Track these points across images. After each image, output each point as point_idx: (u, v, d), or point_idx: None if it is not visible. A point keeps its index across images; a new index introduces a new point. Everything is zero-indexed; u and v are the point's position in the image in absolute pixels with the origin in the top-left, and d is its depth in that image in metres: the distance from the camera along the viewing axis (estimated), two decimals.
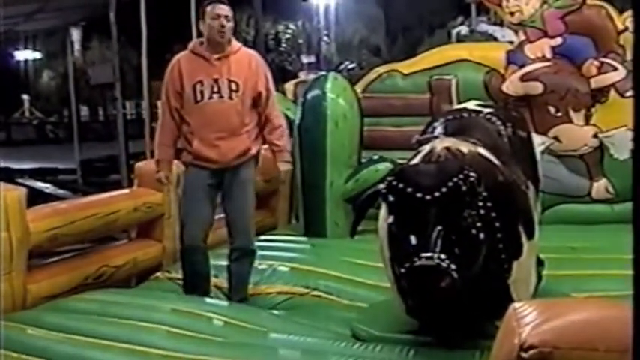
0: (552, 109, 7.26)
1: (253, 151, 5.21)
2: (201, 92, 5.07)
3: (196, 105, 5.08)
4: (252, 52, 5.40)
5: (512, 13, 7.55)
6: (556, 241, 5.60)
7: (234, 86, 5.09)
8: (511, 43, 7.73)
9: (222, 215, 5.39)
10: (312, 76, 13.96)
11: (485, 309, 3.82)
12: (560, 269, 5.10)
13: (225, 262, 5.34)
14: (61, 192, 13.70)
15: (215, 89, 5.06)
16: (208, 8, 5.15)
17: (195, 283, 5.23)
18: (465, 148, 3.89)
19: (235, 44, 5.21)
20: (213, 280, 5.38)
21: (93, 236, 6.27)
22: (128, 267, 6.05)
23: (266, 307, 5.27)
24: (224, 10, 5.14)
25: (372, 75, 8.05)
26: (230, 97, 5.07)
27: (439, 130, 4.44)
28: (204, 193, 5.14)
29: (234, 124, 5.10)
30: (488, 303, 3.79)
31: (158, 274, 5.95)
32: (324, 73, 7.79)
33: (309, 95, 7.21)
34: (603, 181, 7.23)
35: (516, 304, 1.75)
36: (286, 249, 6.44)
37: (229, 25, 5.11)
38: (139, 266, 6.16)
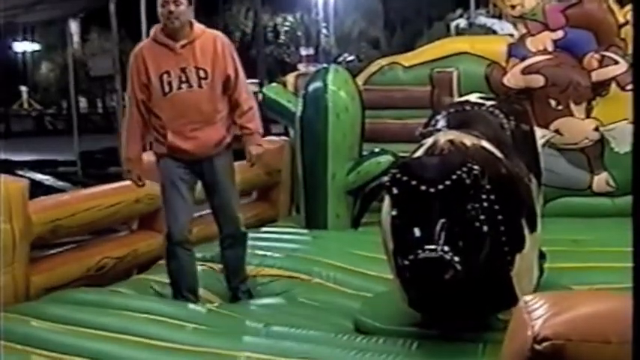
0: (553, 102, 7.26)
1: (228, 140, 5.06)
2: (169, 83, 4.89)
3: (165, 97, 4.90)
4: (216, 33, 5.19)
5: (513, 6, 7.54)
6: (557, 234, 5.61)
7: (202, 74, 4.92)
8: (510, 36, 7.73)
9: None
10: (312, 68, 13.99)
11: (488, 301, 3.83)
12: (562, 262, 5.10)
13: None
14: (60, 184, 13.70)
15: (183, 79, 4.89)
16: None
17: (183, 282, 5.09)
18: (468, 140, 3.89)
19: (198, 27, 5.00)
20: (209, 263, 5.33)
21: (94, 228, 6.28)
22: (129, 259, 6.06)
23: (265, 295, 5.28)
24: None
25: (373, 67, 8.04)
26: (200, 86, 4.91)
27: (442, 122, 4.44)
28: (184, 185, 5.00)
29: (207, 113, 4.95)
30: (491, 295, 3.80)
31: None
32: (325, 65, 7.78)
33: (311, 87, 7.20)
34: (604, 174, 7.24)
35: (527, 298, 1.75)
36: (287, 240, 6.45)
37: (180, 9, 4.84)
38: (141, 258, 6.16)
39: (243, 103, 5.05)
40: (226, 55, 5.02)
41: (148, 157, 5.20)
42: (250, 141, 5.09)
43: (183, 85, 4.90)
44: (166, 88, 4.90)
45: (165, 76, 4.89)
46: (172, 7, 4.85)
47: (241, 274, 5.30)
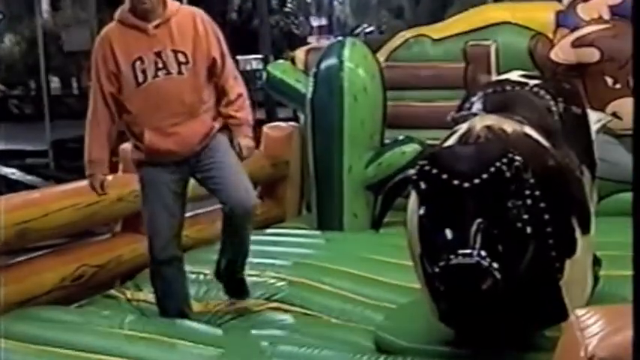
0: (610, 81, 7.26)
1: (217, 126, 5.01)
2: (143, 71, 4.80)
3: (139, 88, 4.82)
4: (195, 9, 5.14)
5: None
6: (614, 236, 5.57)
7: (182, 57, 4.84)
8: (558, 1, 7.72)
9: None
10: (325, 42, 13.99)
11: (532, 316, 3.85)
12: (620, 269, 5.08)
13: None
14: (29, 178, 13.76)
15: (159, 65, 4.81)
16: None
17: (171, 303, 5.08)
18: (508, 127, 3.91)
19: (173, 4, 4.95)
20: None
21: (70, 231, 6.31)
22: (112, 266, 6.10)
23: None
24: None
25: (397, 41, 8.05)
26: (180, 72, 4.84)
27: (478, 105, 4.46)
28: (169, 192, 4.95)
29: (190, 104, 4.89)
30: (536, 309, 3.82)
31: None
32: (340, 38, 7.80)
33: (324, 65, 7.23)
34: None
35: (579, 312, 1.76)
36: (297, 244, 6.49)
37: None
38: (125, 265, 6.20)
39: (230, 91, 5.00)
40: (209, 35, 4.96)
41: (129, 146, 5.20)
42: (239, 132, 5.04)
43: (160, 73, 4.83)
44: (140, 77, 4.82)
45: (138, 63, 4.82)
46: None
47: (244, 265, 5.25)
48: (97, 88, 4.91)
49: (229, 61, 5.07)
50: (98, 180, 5.02)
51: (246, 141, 5.05)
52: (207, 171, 4.98)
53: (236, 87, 5.06)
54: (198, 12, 5.08)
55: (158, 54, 4.82)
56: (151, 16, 4.85)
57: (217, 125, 5.01)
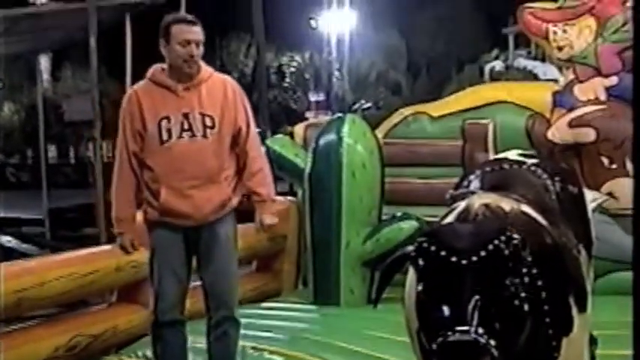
0: (606, 160, 7.32)
1: (234, 202, 5.02)
2: (169, 130, 4.84)
3: (162, 146, 4.85)
4: (226, 77, 5.18)
5: (560, 48, 7.64)
6: (610, 316, 5.62)
7: (208, 121, 4.88)
8: (554, 81, 7.82)
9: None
10: (323, 117, 14.09)
11: None
12: (616, 348, 5.10)
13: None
14: (25, 247, 13.74)
15: (185, 126, 4.84)
16: (174, 29, 4.89)
17: None
18: (506, 205, 3.92)
19: (206, 70, 5.01)
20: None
21: (66, 300, 6.31)
22: (107, 336, 6.09)
23: None
24: (195, 33, 4.90)
25: (396, 118, 8.14)
26: (204, 136, 4.87)
27: (475, 183, 4.48)
28: (177, 256, 4.96)
29: (210, 168, 4.90)
30: None
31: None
32: (339, 114, 7.87)
33: (323, 140, 7.30)
34: None
35: None
36: (293, 319, 6.48)
37: (200, 51, 4.89)
38: (120, 336, 6.19)
39: (252, 163, 5.02)
40: (237, 104, 5.01)
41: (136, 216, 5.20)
42: (262, 209, 5.06)
43: (185, 134, 4.86)
44: (165, 136, 4.86)
45: (164, 122, 4.86)
46: (195, 51, 4.86)
47: None
48: (123, 146, 4.94)
49: (254, 133, 5.10)
50: (128, 239, 5.00)
51: (269, 219, 5.06)
52: (204, 259, 5.02)
53: (258, 160, 5.08)
54: (230, 80, 5.14)
55: (185, 115, 4.86)
56: (184, 78, 4.91)
57: (235, 200, 5.02)
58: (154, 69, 5.01)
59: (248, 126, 5.03)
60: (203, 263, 5.03)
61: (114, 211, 5.05)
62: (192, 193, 4.87)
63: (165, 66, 4.96)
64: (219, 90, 4.98)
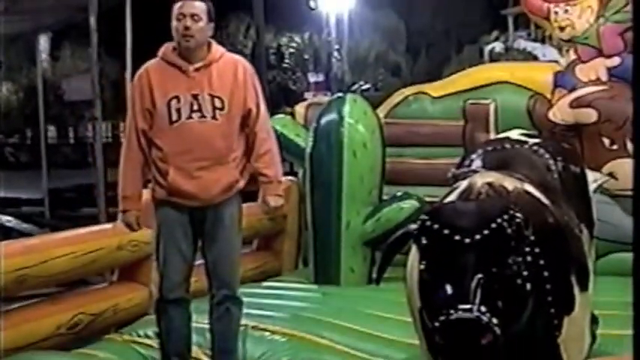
0: (607, 141, 7.31)
1: (242, 184, 5.04)
2: (178, 110, 4.86)
3: (171, 126, 4.87)
4: (238, 58, 5.19)
5: (562, 28, 7.62)
6: (610, 296, 5.63)
7: (218, 103, 4.89)
8: (554, 62, 7.80)
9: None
10: (323, 97, 14.06)
11: None
12: (617, 328, 5.11)
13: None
14: (25, 226, 13.74)
15: (195, 107, 4.86)
16: (175, 6, 4.92)
17: (172, 345, 5.09)
18: (509, 184, 3.93)
19: (217, 49, 5.02)
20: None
21: (68, 278, 6.32)
22: (108, 315, 6.10)
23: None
24: (191, 7, 4.89)
25: (396, 98, 8.12)
26: (214, 117, 4.88)
27: (477, 162, 4.49)
28: (184, 235, 4.99)
29: (219, 149, 4.91)
30: None
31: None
32: (340, 94, 7.85)
33: (324, 120, 7.29)
34: None
35: None
36: (293, 297, 6.49)
37: (198, 26, 4.86)
38: (120, 314, 6.21)
39: (260, 144, 5.02)
40: (248, 85, 5.01)
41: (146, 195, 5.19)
42: (268, 190, 5.07)
43: (195, 115, 4.87)
44: (174, 116, 4.87)
45: (173, 101, 4.87)
46: (189, 23, 4.85)
47: (233, 355, 5.20)
48: (132, 124, 4.96)
49: (264, 114, 5.11)
50: (133, 216, 5.02)
51: (275, 200, 5.08)
52: (209, 239, 5.04)
53: (267, 142, 5.07)
54: (242, 61, 5.14)
55: (195, 96, 4.87)
56: (194, 58, 4.92)
57: (242, 182, 5.03)
58: (165, 47, 5.02)
59: (258, 107, 5.03)
60: (207, 243, 5.05)
61: (120, 188, 5.06)
62: (201, 174, 4.88)
63: (173, 44, 4.98)
64: (229, 71, 4.98)
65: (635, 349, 1.30)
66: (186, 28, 4.84)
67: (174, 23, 4.89)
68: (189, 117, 4.87)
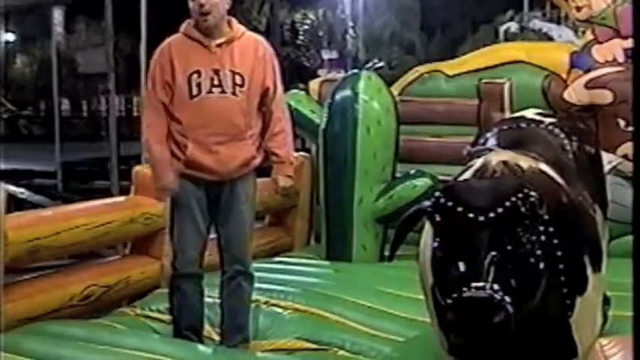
0: (622, 123, 7.28)
1: (258, 161, 5.09)
2: (198, 85, 4.89)
3: (191, 100, 4.90)
4: (258, 37, 5.23)
5: (579, 8, 7.57)
6: (623, 277, 5.61)
7: (238, 79, 4.93)
8: (570, 43, 7.76)
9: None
10: (337, 74, 14.02)
11: (542, 351, 3.84)
12: (628, 310, 5.10)
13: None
14: (37, 198, 13.78)
15: (215, 82, 4.89)
16: None
17: (185, 319, 5.14)
18: (524, 163, 3.92)
19: (238, 28, 5.05)
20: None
21: (80, 250, 6.34)
22: (120, 287, 6.11)
23: (275, 335, 5.32)
24: None
25: (411, 75, 8.11)
26: (234, 93, 4.91)
27: (492, 141, 4.48)
28: (199, 209, 5.02)
29: (238, 125, 4.95)
30: (547, 344, 3.82)
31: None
32: (355, 71, 7.83)
33: (338, 96, 7.28)
34: None
35: (603, 341, 1.78)
36: (304, 273, 6.49)
37: (212, 2, 4.85)
38: (132, 287, 6.23)
39: (274, 124, 5.08)
40: (267, 64, 5.06)
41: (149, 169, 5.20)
42: (279, 170, 5.13)
43: (215, 90, 4.90)
44: (194, 90, 4.90)
45: (194, 75, 4.90)
46: (203, 0, 4.86)
47: (240, 333, 5.22)
48: (153, 96, 4.98)
49: (281, 94, 5.16)
50: (171, 182, 4.99)
51: (285, 180, 5.15)
52: (223, 216, 5.06)
53: (281, 121, 5.13)
54: (262, 40, 5.18)
55: (216, 71, 4.90)
56: (216, 34, 4.94)
57: (259, 158, 5.08)
58: (187, 23, 5.04)
59: (275, 86, 5.07)
60: (221, 219, 5.08)
61: (150, 156, 5.08)
62: (219, 149, 4.92)
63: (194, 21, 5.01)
64: (250, 49, 5.02)
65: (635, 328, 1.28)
66: (201, 5, 4.85)
67: (190, 4, 4.91)
68: (210, 92, 4.90)
